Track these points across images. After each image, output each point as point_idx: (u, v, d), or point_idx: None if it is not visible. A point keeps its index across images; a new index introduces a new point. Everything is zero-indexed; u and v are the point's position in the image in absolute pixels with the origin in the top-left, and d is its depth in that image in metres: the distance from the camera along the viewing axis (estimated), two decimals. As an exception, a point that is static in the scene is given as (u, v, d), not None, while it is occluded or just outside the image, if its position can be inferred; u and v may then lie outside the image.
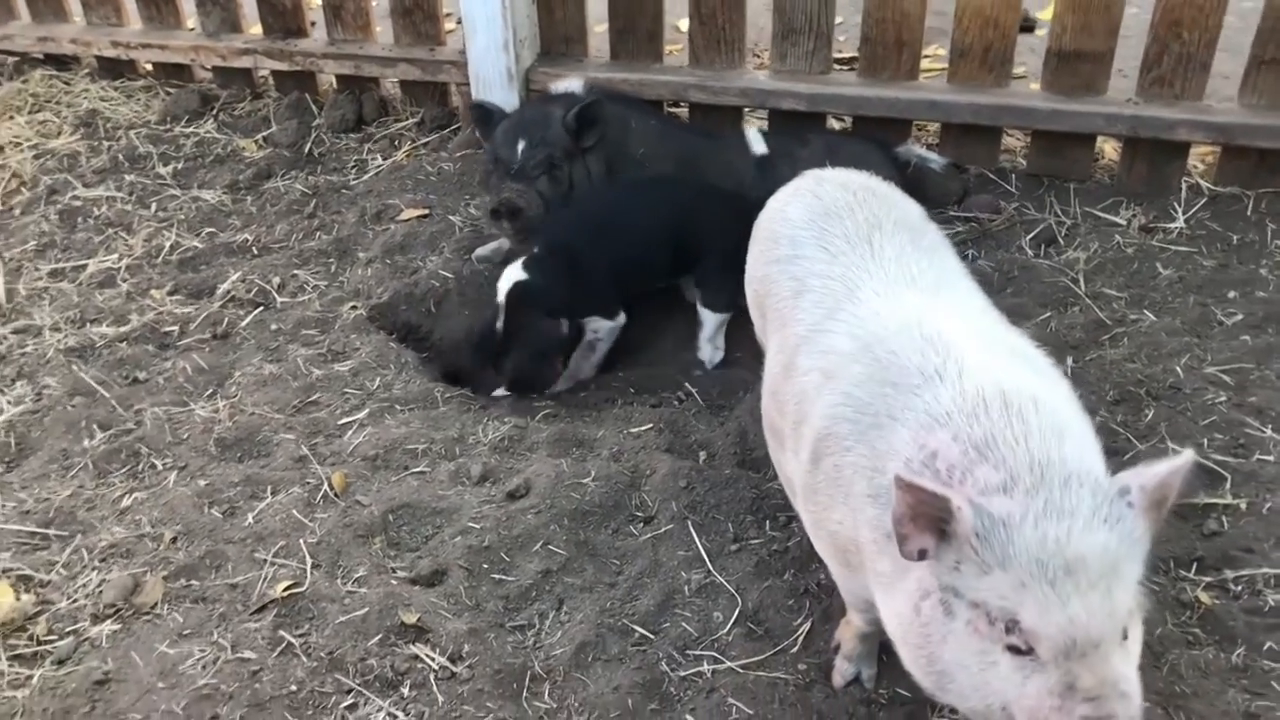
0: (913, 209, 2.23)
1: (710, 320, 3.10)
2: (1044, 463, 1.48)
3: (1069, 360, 2.85)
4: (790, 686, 2.08)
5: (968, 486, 1.50)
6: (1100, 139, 3.54)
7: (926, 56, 3.85)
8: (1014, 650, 1.43)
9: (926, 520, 1.46)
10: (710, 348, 3.13)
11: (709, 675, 2.12)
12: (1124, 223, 3.34)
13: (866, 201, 2.16)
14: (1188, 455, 1.49)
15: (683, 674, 2.12)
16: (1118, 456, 2.53)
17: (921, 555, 1.49)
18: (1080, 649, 1.40)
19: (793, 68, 3.58)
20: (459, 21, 3.81)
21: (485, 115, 3.37)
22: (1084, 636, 1.40)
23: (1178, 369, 2.78)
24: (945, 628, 1.50)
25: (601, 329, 3.11)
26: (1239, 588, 2.23)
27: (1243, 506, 2.40)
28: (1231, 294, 3.05)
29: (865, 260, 2.02)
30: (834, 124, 3.70)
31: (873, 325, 1.84)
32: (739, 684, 2.09)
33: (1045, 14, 4.19)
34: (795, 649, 2.16)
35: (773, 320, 2.15)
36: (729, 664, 2.13)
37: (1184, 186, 3.39)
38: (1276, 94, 3.20)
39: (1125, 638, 1.45)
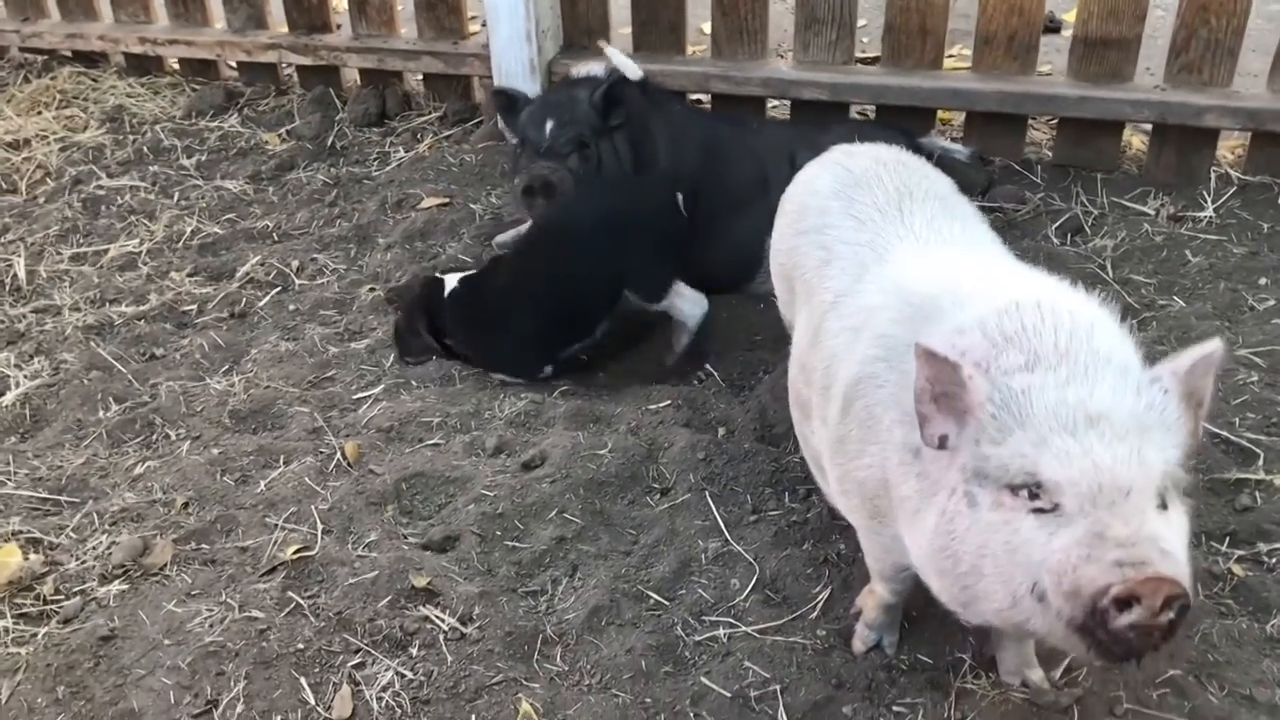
0: (943, 180, 2.19)
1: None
2: (1070, 346, 1.44)
3: (1096, 343, 2.79)
4: (809, 651, 2.02)
5: (992, 371, 1.46)
6: (1127, 131, 3.50)
7: (950, 56, 3.83)
8: (1039, 513, 1.36)
9: (946, 401, 1.43)
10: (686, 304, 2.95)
11: (724, 640, 2.06)
12: (1152, 212, 3.29)
13: (897, 171, 2.12)
14: (1216, 343, 1.44)
15: (698, 639, 2.07)
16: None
17: (942, 443, 1.46)
18: (1108, 495, 1.32)
19: (815, 58, 3.56)
20: (484, 24, 3.81)
21: (509, 101, 3.33)
22: (1110, 481, 1.32)
23: (1208, 350, 2.72)
24: (970, 519, 1.43)
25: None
26: (1273, 560, 2.16)
27: (1276, 482, 2.34)
28: (1263, 280, 2.99)
29: (895, 226, 1.98)
30: (856, 114, 3.68)
31: (902, 279, 1.80)
32: (755, 648, 2.03)
33: (1070, 15, 4.16)
34: (814, 615, 2.10)
35: (800, 293, 2.11)
36: (745, 629, 2.08)
37: (1213, 176, 3.34)
38: (1307, 78, 3.16)
39: (1164, 507, 1.37)
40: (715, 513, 2.35)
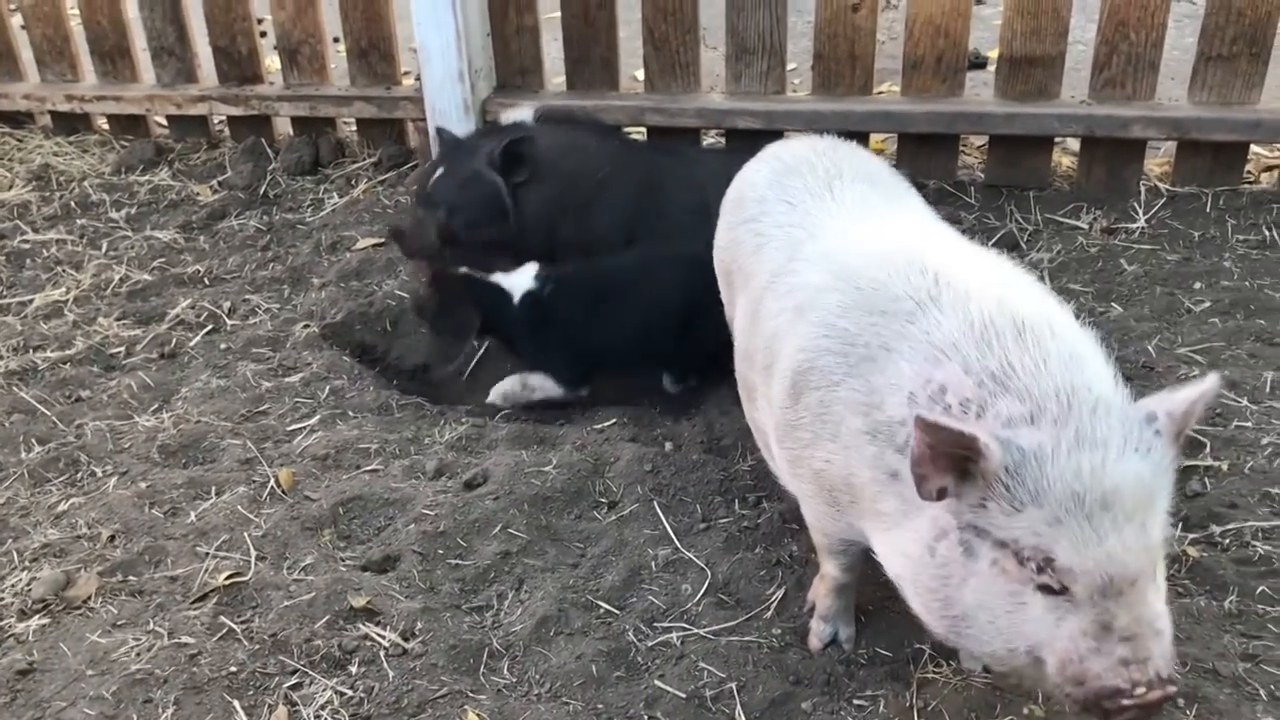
0: (876, 162, 2.21)
1: None
2: (1069, 390, 1.38)
3: (1038, 349, 2.79)
4: (764, 650, 1.96)
5: (989, 420, 1.40)
6: (1057, 152, 3.55)
7: (880, 92, 3.88)
8: (1046, 590, 1.35)
9: (947, 460, 1.36)
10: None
11: (678, 644, 2.00)
12: (1085, 226, 3.33)
13: (827, 155, 2.13)
14: (1212, 379, 1.41)
15: (650, 644, 2.00)
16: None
17: (940, 495, 1.39)
18: (1117, 586, 1.33)
19: (747, 88, 3.59)
20: (417, 77, 3.80)
21: (444, 143, 3.33)
22: (1121, 573, 1.32)
23: (1150, 349, 2.74)
24: (966, 569, 1.40)
25: (544, 389, 2.87)
26: (1226, 540, 2.14)
27: (1224, 468, 2.33)
28: (1197, 285, 3.02)
29: (825, 205, 1.97)
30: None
31: (843, 257, 1.75)
32: (710, 649, 1.97)
33: (994, 52, 4.25)
34: (768, 615, 2.04)
35: (738, 283, 2.09)
36: (699, 631, 2.01)
37: (1143, 189, 3.39)
38: (1225, 88, 3.23)
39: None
40: (665, 522, 2.29)
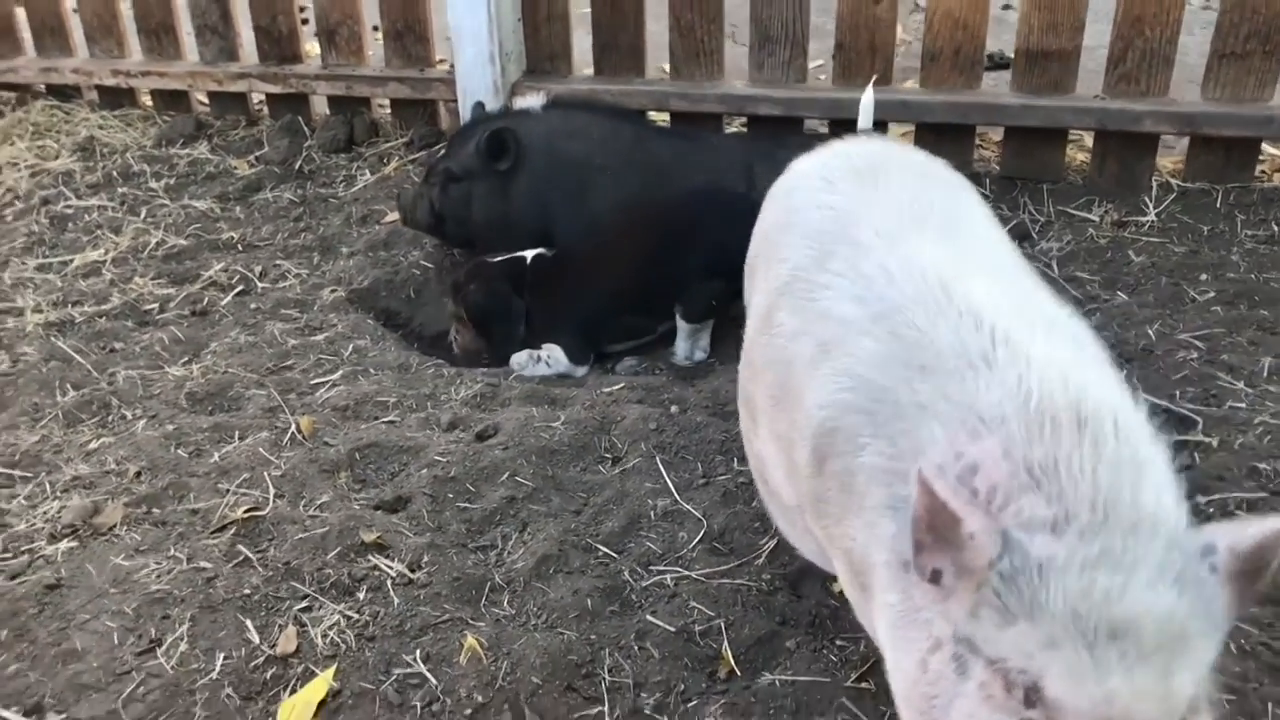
0: (934, 162, 1.93)
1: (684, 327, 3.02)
2: (1110, 501, 1.15)
3: (1042, 331, 2.85)
4: (753, 593, 2.04)
5: (1007, 514, 1.18)
6: (1071, 146, 3.62)
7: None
8: None
9: (943, 542, 1.16)
10: (686, 346, 3.04)
11: (671, 584, 2.08)
12: (1096, 218, 3.39)
13: (878, 147, 1.94)
14: None
15: (645, 584, 2.08)
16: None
17: (935, 578, 1.19)
18: None
19: (769, 77, 3.68)
20: (450, 67, 3.93)
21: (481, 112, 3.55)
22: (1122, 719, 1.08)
23: (1150, 334, 2.80)
24: (954, 689, 1.19)
25: (556, 361, 2.98)
26: (1210, 510, 2.20)
27: (1215, 444, 2.38)
28: (1203, 276, 3.07)
29: (867, 190, 1.69)
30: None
31: (883, 286, 1.46)
32: (701, 590, 2.05)
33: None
34: (759, 562, 2.12)
35: (760, 269, 1.85)
36: (691, 574, 2.09)
37: (1154, 184, 3.45)
38: (1238, 85, 3.28)
39: None
40: (665, 476, 2.37)
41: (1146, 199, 3.40)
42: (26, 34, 4.60)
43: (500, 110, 3.56)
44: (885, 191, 1.68)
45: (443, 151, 3.39)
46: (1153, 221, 3.33)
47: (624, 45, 3.82)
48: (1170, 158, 3.62)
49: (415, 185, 3.36)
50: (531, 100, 3.42)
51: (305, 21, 4.52)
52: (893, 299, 1.43)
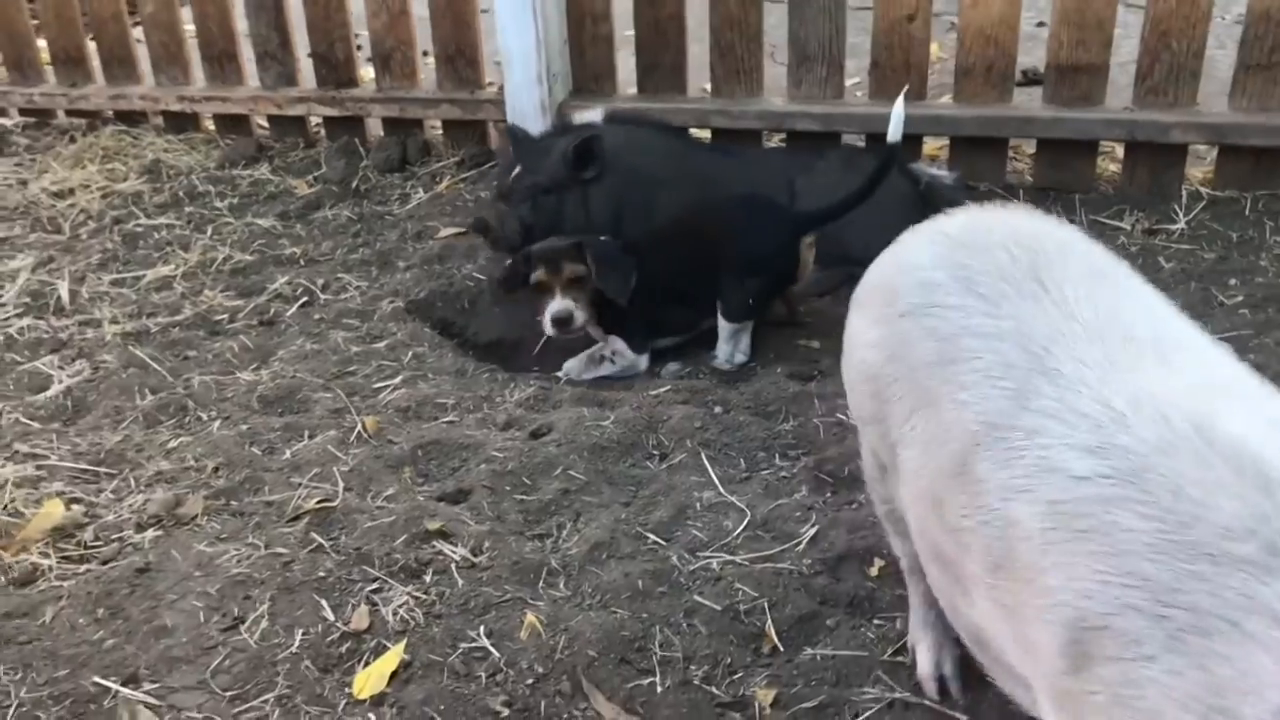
0: (1084, 240, 1.60)
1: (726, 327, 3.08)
2: None
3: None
4: (795, 575, 2.16)
5: None
6: (1103, 158, 3.72)
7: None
8: None
9: None
10: (728, 348, 3.11)
11: (717, 569, 2.20)
12: (1128, 227, 3.48)
13: (1010, 226, 1.57)
14: None
15: (692, 568, 2.21)
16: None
17: None
18: None
19: (808, 93, 3.81)
20: (499, 89, 4.10)
21: (515, 138, 3.62)
22: None
23: (1178, 335, 2.88)
24: None
25: (620, 355, 3.08)
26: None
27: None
28: (1232, 281, 3.16)
29: (1043, 307, 1.39)
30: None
31: (1115, 432, 1.21)
32: (745, 573, 2.17)
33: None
34: (801, 548, 2.24)
35: (905, 396, 1.53)
36: (736, 559, 2.22)
37: (1184, 193, 3.55)
38: (1265, 96, 3.38)
39: None
40: (710, 471, 2.50)
41: (1176, 207, 3.49)
42: (96, 63, 4.83)
43: (561, 125, 3.70)
44: (1057, 301, 1.39)
45: (504, 174, 3.53)
46: (1183, 229, 3.42)
47: (666, 65, 3.97)
48: (1200, 168, 3.71)
49: (489, 208, 3.45)
50: (591, 114, 3.59)
51: (359, 48, 4.72)
52: (1137, 451, 1.18)
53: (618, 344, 3.08)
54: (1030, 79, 4.64)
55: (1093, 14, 3.42)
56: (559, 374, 3.09)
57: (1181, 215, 3.46)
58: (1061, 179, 3.65)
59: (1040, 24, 5.54)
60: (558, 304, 2.99)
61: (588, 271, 2.99)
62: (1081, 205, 3.60)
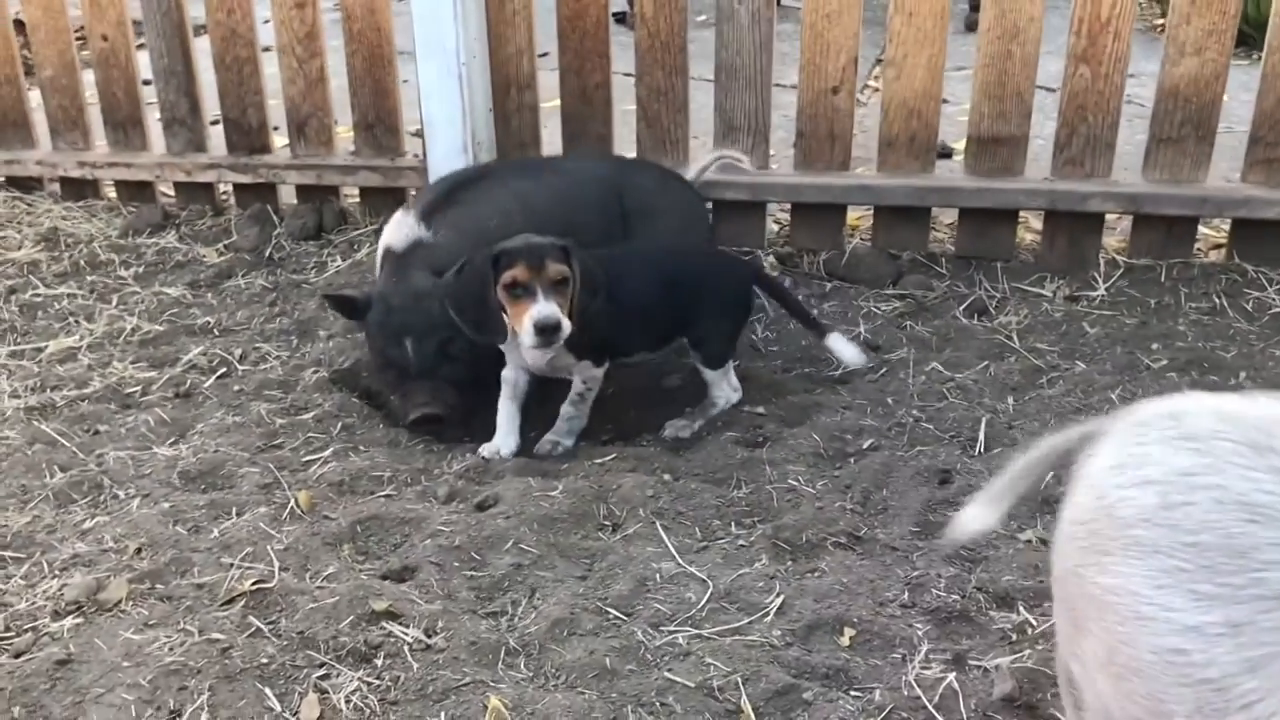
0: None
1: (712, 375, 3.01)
2: None
3: (1010, 399, 2.99)
4: (766, 648, 2.09)
5: None
6: (1021, 227, 3.81)
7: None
8: None
9: None
10: (726, 389, 3.02)
11: (684, 643, 2.12)
12: (1050, 294, 3.56)
13: (1215, 415, 1.27)
14: None
15: (658, 643, 2.12)
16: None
17: None
18: None
19: (733, 163, 3.83)
20: (420, 156, 4.01)
21: (346, 305, 3.08)
22: None
23: (1113, 398, 2.94)
24: None
25: (591, 378, 2.93)
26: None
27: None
28: (1155, 345, 3.24)
29: None
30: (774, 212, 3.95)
31: None
32: (715, 648, 2.09)
33: (959, 144, 4.55)
34: (769, 619, 2.18)
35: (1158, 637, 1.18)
36: (704, 633, 2.14)
37: (1102, 261, 3.64)
38: (1176, 168, 3.50)
39: None
40: (666, 541, 2.43)
41: (1095, 275, 3.58)
42: (-12, 127, 4.62)
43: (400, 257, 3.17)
44: None
45: (382, 354, 3.07)
46: (1103, 296, 3.51)
47: (592, 135, 3.95)
48: (1112, 238, 3.82)
49: (407, 400, 3.01)
50: (401, 223, 3.22)
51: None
52: None
53: (590, 370, 2.91)
54: (940, 153, 4.76)
55: (1012, 87, 3.52)
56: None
57: (1101, 282, 3.55)
58: (983, 247, 3.72)
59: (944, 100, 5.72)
60: (543, 307, 2.57)
61: (571, 276, 2.66)
62: (1003, 273, 3.67)
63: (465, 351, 2.96)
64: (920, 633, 2.13)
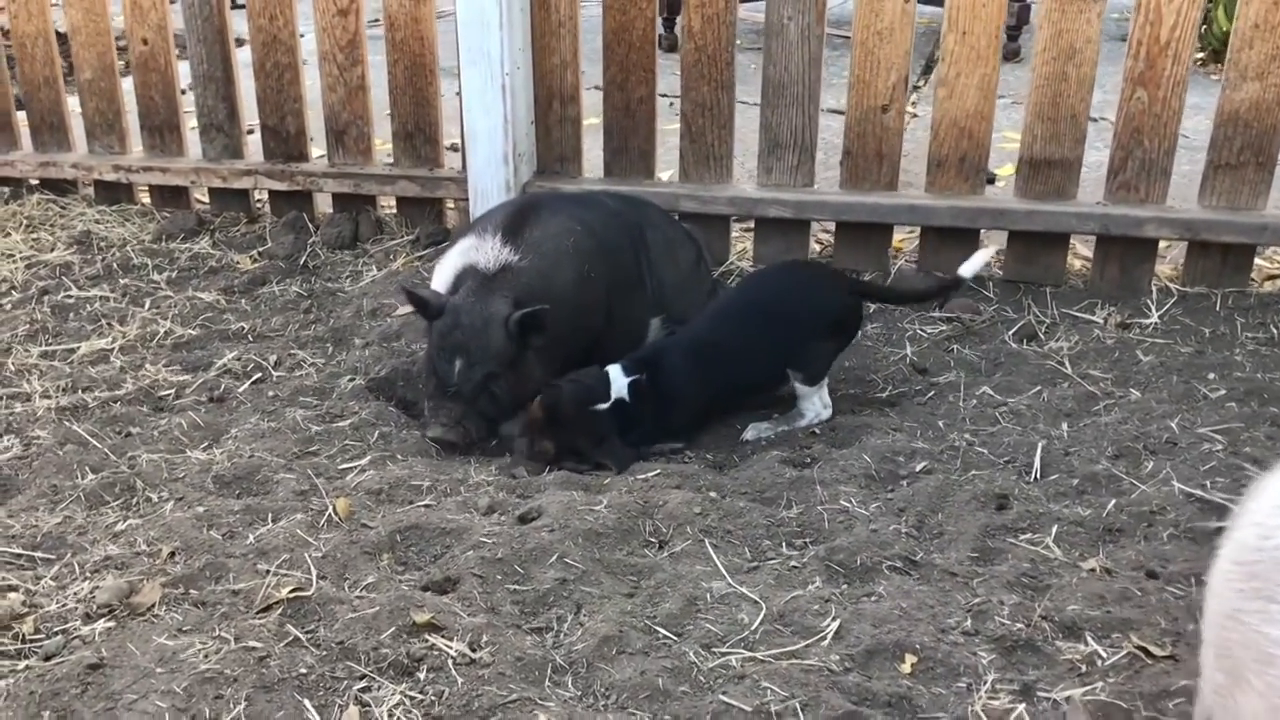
0: None
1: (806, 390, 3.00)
2: None
3: (1064, 425, 2.90)
4: (825, 673, 2.01)
5: None
6: (1070, 251, 3.73)
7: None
8: None
9: None
10: (816, 404, 3.00)
11: (738, 665, 2.04)
12: (1100, 320, 3.47)
13: None
14: None
15: (711, 665, 2.04)
16: (1122, 496, 2.56)
17: None
18: None
19: (778, 180, 3.77)
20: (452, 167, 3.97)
21: (421, 303, 2.95)
22: None
23: (1173, 426, 2.85)
24: None
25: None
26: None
27: (1253, 531, 2.41)
28: (1211, 375, 3.15)
29: None
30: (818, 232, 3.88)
31: None
32: (771, 670, 2.01)
33: (1004, 170, 4.49)
34: (826, 642, 2.09)
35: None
36: (758, 655, 2.06)
37: (1154, 289, 3.56)
38: (1234, 195, 3.43)
39: None
40: (716, 559, 2.35)
41: (1148, 302, 3.50)
42: (24, 128, 4.59)
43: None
44: None
45: (432, 364, 2.99)
46: (1156, 324, 3.42)
47: (634, 149, 3.90)
48: (1162, 265, 3.74)
49: (436, 416, 2.93)
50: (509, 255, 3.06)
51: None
52: None
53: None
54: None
55: (1067, 108, 3.45)
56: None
57: (1154, 310, 3.47)
58: (1032, 272, 3.64)
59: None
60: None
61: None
62: (1053, 298, 3.59)
63: (507, 393, 2.91)
64: (985, 661, 2.04)
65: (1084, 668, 2.03)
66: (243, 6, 4.22)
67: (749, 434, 2.99)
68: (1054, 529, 2.43)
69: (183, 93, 4.41)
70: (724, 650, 2.08)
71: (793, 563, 2.35)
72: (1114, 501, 2.54)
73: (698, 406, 2.99)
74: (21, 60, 4.44)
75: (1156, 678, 1.99)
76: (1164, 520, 2.45)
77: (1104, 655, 2.05)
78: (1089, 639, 2.09)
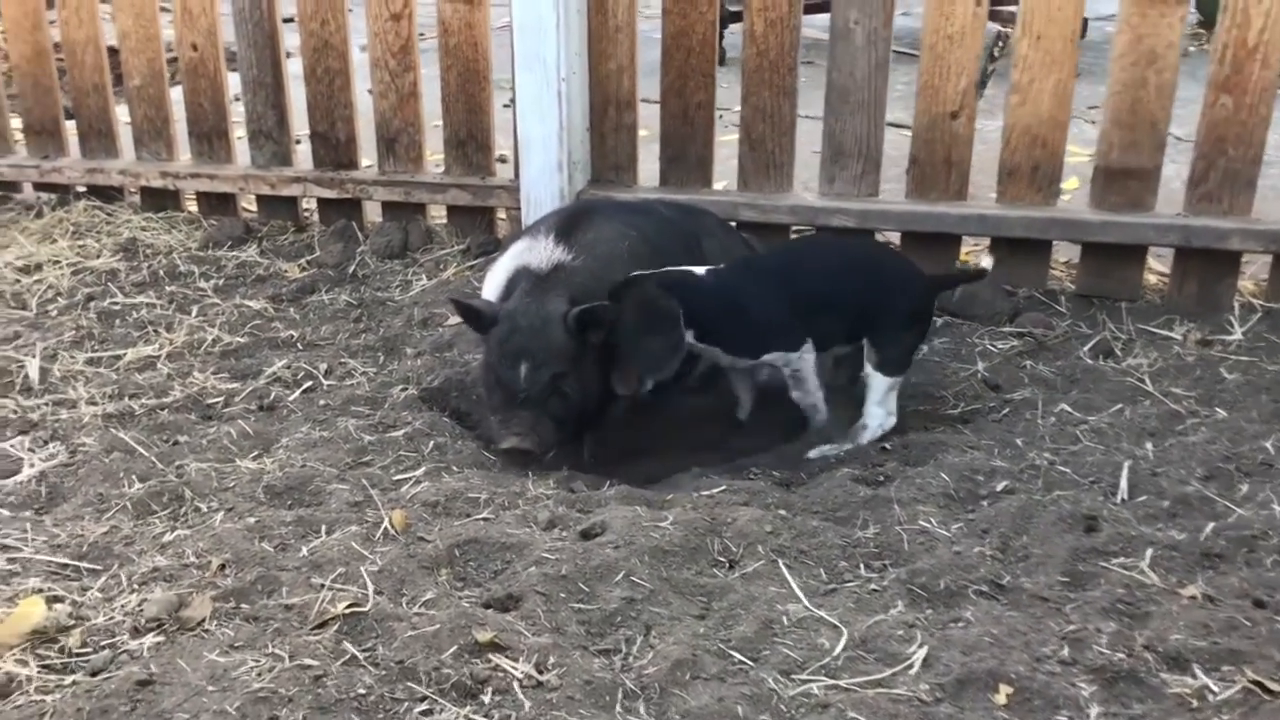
0: None
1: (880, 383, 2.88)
2: None
3: (1149, 445, 2.76)
4: (914, 703, 1.87)
5: None
6: (1145, 266, 3.59)
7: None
8: None
9: None
10: (881, 411, 2.89)
11: (821, 694, 1.91)
12: (1179, 337, 3.32)
13: None
14: None
15: (792, 693, 1.91)
16: (1219, 520, 2.41)
17: None
18: None
19: (841, 190, 3.65)
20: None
21: (473, 315, 2.84)
22: None
23: (1267, 447, 2.70)
24: None
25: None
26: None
27: (1362, 556, 2.27)
28: (1304, 395, 3.00)
29: None
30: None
31: None
32: (856, 700, 1.88)
33: (1069, 184, 4.34)
34: (914, 671, 1.96)
35: None
36: (841, 683, 1.93)
37: (1236, 304, 3.41)
38: (1324, 206, 3.28)
39: None
40: (791, 581, 2.22)
41: (1231, 318, 3.34)
42: (72, 135, 4.56)
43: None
44: None
45: (494, 371, 2.84)
46: (1239, 341, 3.27)
47: (692, 157, 3.80)
48: (1244, 280, 3.58)
49: (506, 426, 2.79)
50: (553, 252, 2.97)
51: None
52: None
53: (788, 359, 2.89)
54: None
55: (1146, 115, 3.32)
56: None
57: (1237, 325, 3.32)
58: (1106, 286, 3.50)
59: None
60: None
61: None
62: (1128, 314, 3.44)
63: (577, 391, 2.78)
64: (1086, 694, 1.90)
65: (1194, 702, 1.88)
66: (291, 20, 4.16)
67: (813, 454, 2.87)
68: (1148, 553, 2.29)
69: (235, 99, 4.36)
70: (805, 677, 1.95)
71: (872, 585, 2.22)
72: (1211, 525, 2.39)
73: (773, 325, 2.84)
74: (71, 67, 4.41)
75: (1275, 714, 1.85)
76: (1267, 545, 2.30)
77: (1215, 690, 1.90)
78: (1197, 671, 1.95)
